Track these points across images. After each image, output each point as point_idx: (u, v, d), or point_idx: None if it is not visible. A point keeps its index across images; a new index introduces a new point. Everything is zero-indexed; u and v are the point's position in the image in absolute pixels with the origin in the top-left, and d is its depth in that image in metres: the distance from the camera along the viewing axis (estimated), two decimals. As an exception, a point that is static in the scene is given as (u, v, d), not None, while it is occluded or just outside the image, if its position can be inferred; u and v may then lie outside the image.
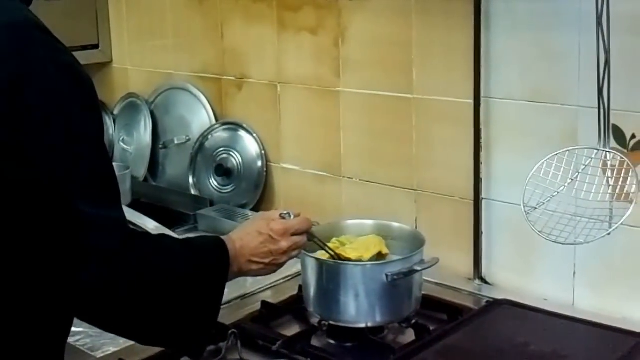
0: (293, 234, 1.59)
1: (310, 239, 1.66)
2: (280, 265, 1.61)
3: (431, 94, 2.03)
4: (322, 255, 1.75)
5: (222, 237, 1.51)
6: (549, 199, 1.65)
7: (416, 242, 1.80)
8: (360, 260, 1.75)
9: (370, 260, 1.76)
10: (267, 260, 1.56)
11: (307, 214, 1.69)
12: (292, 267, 1.86)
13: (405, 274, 1.70)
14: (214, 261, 1.45)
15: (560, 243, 1.61)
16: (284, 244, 1.58)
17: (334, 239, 1.81)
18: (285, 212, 1.61)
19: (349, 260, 1.74)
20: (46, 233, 1.18)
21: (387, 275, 1.69)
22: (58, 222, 1.18)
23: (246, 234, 1.56)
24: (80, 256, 1.20)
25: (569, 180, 1.65)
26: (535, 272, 1.93)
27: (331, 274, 1.73)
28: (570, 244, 1.63)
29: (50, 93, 1.16)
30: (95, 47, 2.86)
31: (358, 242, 1.81)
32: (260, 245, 1.55)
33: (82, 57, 2.72)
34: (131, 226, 1.29)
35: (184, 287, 1.35)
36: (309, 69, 2.28)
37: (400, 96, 2.09)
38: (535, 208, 1.64)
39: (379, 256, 1.78)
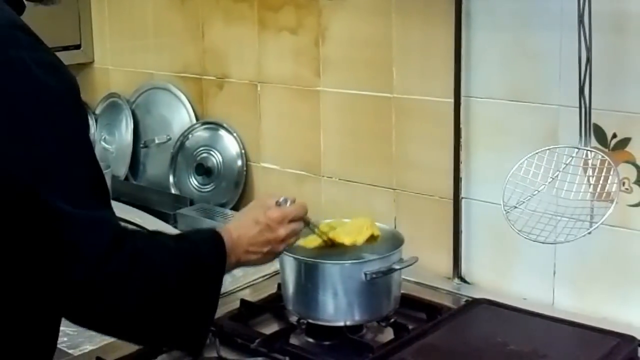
0: (290, 221, 1.57)
1: (306, 224, 1.63)
2: (279, 254, 1.59)
3: (411, 93, 2.03)
4: (314, 240, 1.73)
5: (218, 229, 1.48)
6: (529, 197, 1.64)
7: (395, 241, 1.79)
8: (354, 245, 1.73)
9: (363, 243, 1.74)
10: (265, 250, 1.54)
11: None
12: (271, 265, 1.81)
13: (384, 273, 1.69)
14: (210, 255, 1.42)
15: (540, 242, 1.61)
16: (282, 231, 1.55)
17: (323, 222, 1.78)
18: (281, 199, 1.58)
19: (343, 245, 1.72)
20: (33, 235, 1.16)
21: (365, 274, 1.68)
22: (44, 224, 1.16)
23: (243, 224, 1.53)
24: (70, 257, 1.18)
25: (549, 179, 1.65)
26: (514, 272, 1.92)
27: (309, 273, 1.72)
28: (550, 243, 1.63)
29: (33, 93, 1.15)
30: (77, 47, 2.85)
31: (349, 225, 1.78)
32: (257, 234, 1.52)
33: (64, 58, 2.68)
34: (123, 224, 1.27)
35: (179, 283, 1.32)
36: (289, 68, 2.27)
37: (380, 95, 2.08)
38: (515, 207, 1.64)
39: (371, 239, 1.76)
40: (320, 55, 2.19)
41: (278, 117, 2.34)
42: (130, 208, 2.40)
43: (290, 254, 1.72)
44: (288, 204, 1.58)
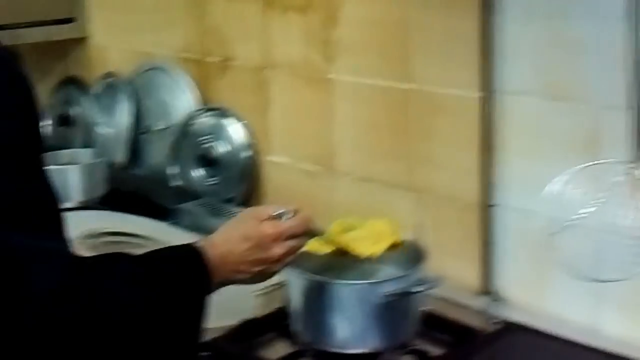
0: (288, 238, 1.38)
1: (312, 237, 1.46)
2: (273, 274, 1.41)
3: (433, 84, 1.82)
4: (325, 245, 1.55)
5: (201, 243, 1.31)
6: (572, 221, 1.42)
7: (416, 255, 1.61)
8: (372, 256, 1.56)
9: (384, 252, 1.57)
10: (256, 269, 1.36)
11: None
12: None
13: (402, 295, 1.51)
14: (189, 278, 1.25)
15: (586, 280, 1.40)
16: (277, 250, 1.37)
17: (336, 222, 1.60)
18: (279, 211, 1.39)
19: (360, 257, 1.55)
20: None
21: (381, 296, 1.50)
22: None
23: (231, 238, 1.36)
24: (16, 299, 1.02)
25: (597, 199, 1.43)
26: (552, 289, 1.71)
27: (317, 293, 1.54)
28: (599, 281, 1.41)
29: None
30: (70, 21, 2.65)
31: (366, 229, 1.60)
32: (247, 252, 1.34)
33: (55, 33, 2.64)
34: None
35: (151, 315, 1.16)
36: (297, 53, 2.07)
37: (397, 86, 1.88)
38: (556, 233, 1.42)
39: (393, 247, 1.59)
40: (331, 38, 1.99)
41: (286, 105, 2.15)
42: (121, 215, 2.21)
43: (296, 270, 1.54)
44: (286, 217, 1.39)
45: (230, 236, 1.36)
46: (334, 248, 1.55)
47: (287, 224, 1.38)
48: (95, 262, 1.20)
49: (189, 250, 1.29)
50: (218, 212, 2.20)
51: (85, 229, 1.98)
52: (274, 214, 1.38)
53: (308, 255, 1.57)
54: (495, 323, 1.69)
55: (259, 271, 1.37)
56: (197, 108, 2.38)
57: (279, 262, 1.38)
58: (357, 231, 1.59)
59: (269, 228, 1.36)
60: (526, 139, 1.70)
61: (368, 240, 1.57)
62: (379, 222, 1.63)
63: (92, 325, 1.08)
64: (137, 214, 2.21)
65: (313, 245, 1.53)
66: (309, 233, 1.44)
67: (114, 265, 1.21)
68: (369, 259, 1.56)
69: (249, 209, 1.53)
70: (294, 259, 1.42)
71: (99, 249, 1.89)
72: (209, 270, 1.28)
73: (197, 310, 1.24)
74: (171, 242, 1.40)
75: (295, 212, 1.41)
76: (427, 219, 1.89)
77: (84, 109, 2.69)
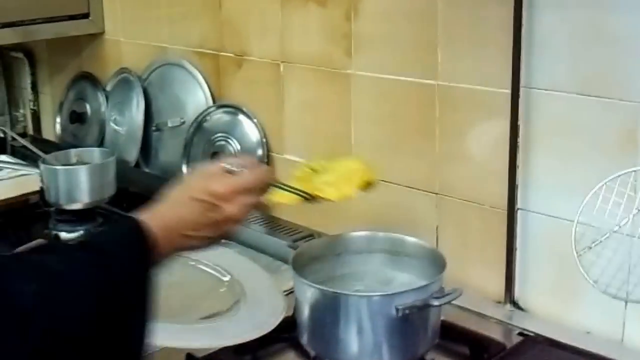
0: (243, 193, 1.25)
1: (275, 187, 1.33)
2: (229, 235, 1.28)
3: (459, 80, 1.70)
4: (291, 195, 1.41)
5: (143, 216, 1.17)
6: (607, 235, 1.30)
7: (435, 263, 1.50)
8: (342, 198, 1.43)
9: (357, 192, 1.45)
10: (209, 233, 1.24)
11: (310, 216, 1.33)
12: (290, 280, 1.54)
13: (419, 308, 1.40)
14: (127, 256, 1.12)
15: (615, 298, 1.28)
16: (230, 209, 1.23)
17: (304, 165, 1.48)
18: (230, 165, 1.26)
19: (329, 201, 1.42)
20: None
21: (397, 309, 1.39)
22: None
23: (177, 203, 1.22)
24: None
25: (634, 211, 1.31)
26: (578, 300, 1.60)
27: (329, 305, 1.44)
28: (630, 301, 1.29)
29: None
30: (86, 16, 2.57)
31: (335, 171, 1.48)
32: (197, 214, 1.22)
33: (71, 28, 2.57)
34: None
35: (91, 296, 1.05)
36: (316, 47, 1.96)
37: (422, 82, 1.76)
38: (590, 247, 1.30)
39: (367, 185, 1.47)
40: (351, 32, 1.87)
41: (303, 102, 2.04)
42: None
43: (305, 281, 1.44)
44: (239, 169, 1.26)
45: (175, 201, 1.23)
46: (300, 197, 1.41)
47: (238, 180, 1.25)
48: (31, 252, 1.10)
49: (128, 227, 1.16)
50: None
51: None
52: (230, 168, 1.25)
53: (314, 259, 1.49)
54: (517, 335, 1.59)
55: (213, 234, 1.24)
56: (211, 104, 2.28)
57: (234, 222, 1.25)
58: (324, 175, 1.47)
59: (219, 186, 1.23)
60: (558, 138, 1.58)
61: (337, 183, 1.44)
62: (347, 161, 1.51)
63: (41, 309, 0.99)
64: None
65: (278, 196, 1.39)
66: (266, 186, 1.30)
67: (52, 252, 1.12)
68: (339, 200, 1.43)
69: (197, 167, 1.38)
70: (251, 214, 1.29)
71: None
72: (149, 244, 1.14)
73: (142, 288, 1.11)
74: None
75: (249, 165, 1.28)
76: (448, 222, 1.78)
77: (97, 105, 2.62)
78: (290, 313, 1.57)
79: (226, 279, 1.75)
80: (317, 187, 1.43)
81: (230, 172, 1.25)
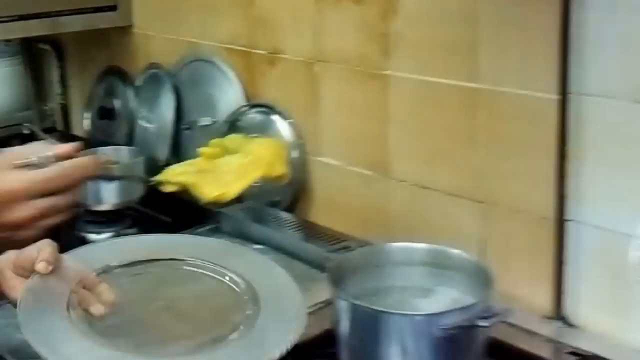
0: (43, 195, 1.05)
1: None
2: (27, 243, 1.07)
3: (503, 84, 1.62)
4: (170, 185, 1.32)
5: None
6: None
7: (480, 277, 1.44)
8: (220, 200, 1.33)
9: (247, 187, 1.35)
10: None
11: (348, 221, 1.29)
12: (326, 290, 1.47)
13: (464, 328, 1.34)
14: None
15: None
16: (20, 213, 1.04)
17: (216, 141, 1.40)
18: (27, 159, 1.03)
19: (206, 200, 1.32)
20: None
21: (441, 329, 1.33)
22: None
23: None
24: None
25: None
26: (633, 317, 1.53)
27: (368, 324, 1.37)
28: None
29: None
30: (113, 8, 2.51)
31: (244, 154, 1.38)
32: None
33: (98, 21, 2.50)
34: None
35: None
36: (352, 46, 1.89)
37: (463, 85, 1.69)
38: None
39: (276, 179, 1.40)
40: (389, 31, 1.80)
41: (339, 103, 1.97)
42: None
43: (345, 297, 1.38)
44: (41, 162, 1.04)
45: None
46: (175, 189, 1.33)
47: (37, 176, 1.06)
48: None
49: None
50: (261, 217, 2.05)
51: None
52: (21, 162, 1.05)
53: (352, 271, 1.43)
54: (567, 353, 1.52)
55: (6, 242, 1.06)
56: (244, 104, 2.22)
57: (29, 228, 1.06)
58: (229, 158, 1.37)
59: (11, 182, 1.04)
60: (609, 147, 1.50)
61: (224, 179, 1.34)
62: (261, 145, 1.42)
63: None
64: (174, 218, 2.10)
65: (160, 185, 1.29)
66: (78, 183, 1.09)
67: None
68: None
69: None
70: (62, 218, 1.09)
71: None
72: None
73: None
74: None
75: (59, 157, 1.07)
76: (493, 234, 1.71)
77: (127, 101, 2.56)
78: (326, 327, 1.50)
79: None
80: (195, 182, 1.34)
81: (32, 164, 1.05)
